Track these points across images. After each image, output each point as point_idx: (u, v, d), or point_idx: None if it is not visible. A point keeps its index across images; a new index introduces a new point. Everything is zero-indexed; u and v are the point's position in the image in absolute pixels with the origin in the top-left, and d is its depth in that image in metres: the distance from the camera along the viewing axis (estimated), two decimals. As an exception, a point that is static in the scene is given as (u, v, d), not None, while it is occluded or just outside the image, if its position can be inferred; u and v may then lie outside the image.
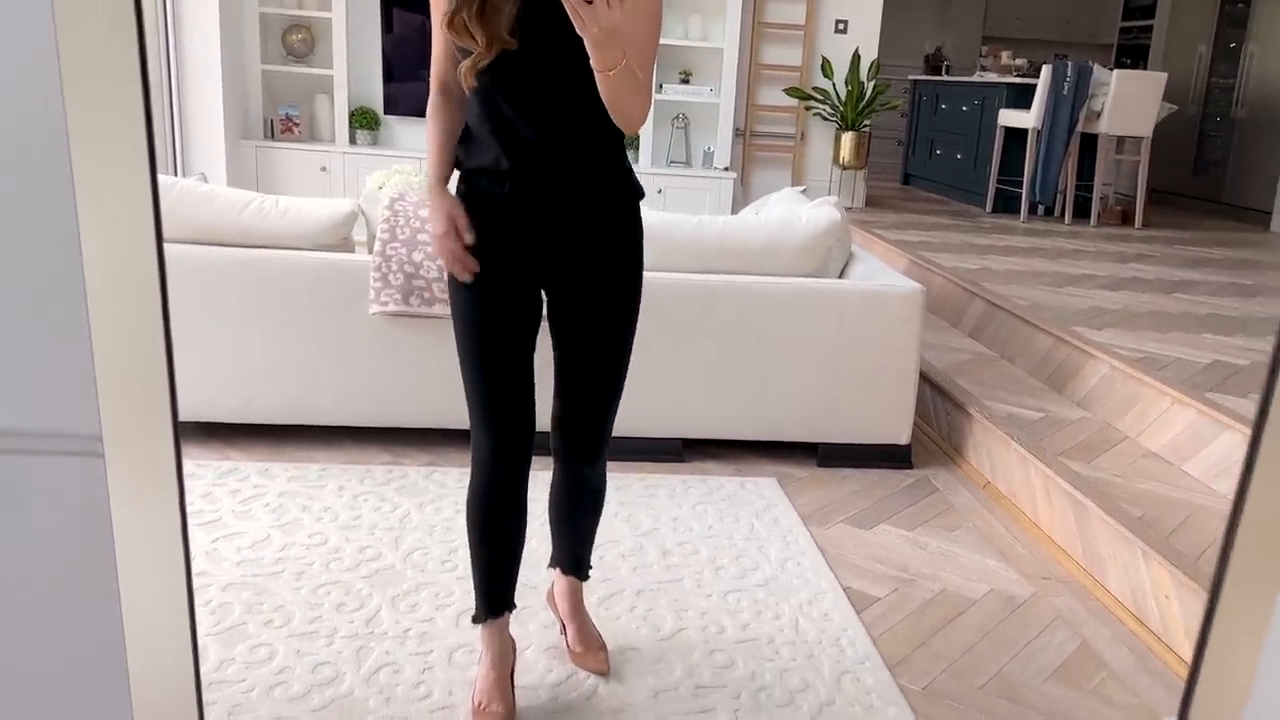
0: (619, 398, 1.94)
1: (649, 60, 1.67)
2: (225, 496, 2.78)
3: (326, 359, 3.06)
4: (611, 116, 1.65)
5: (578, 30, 1.46)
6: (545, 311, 1.88)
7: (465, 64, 1.65)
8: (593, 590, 2.37)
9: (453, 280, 1.80)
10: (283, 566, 2.44)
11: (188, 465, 2.94)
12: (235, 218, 3.00)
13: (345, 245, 3.09)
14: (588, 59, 1.54)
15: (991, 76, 7.94)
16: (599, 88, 1.59)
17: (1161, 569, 2.34)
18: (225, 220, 2.99)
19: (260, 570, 2.41)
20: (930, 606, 2.48)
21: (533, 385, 1.85)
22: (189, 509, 2.72)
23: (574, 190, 1.76)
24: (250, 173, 5.58)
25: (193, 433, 3.16)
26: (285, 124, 5.89)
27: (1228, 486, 2.76)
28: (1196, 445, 2.88)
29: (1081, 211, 6.86)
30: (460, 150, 1.78)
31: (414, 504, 2.79)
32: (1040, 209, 7.11)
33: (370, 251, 3.02)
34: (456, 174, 1.80)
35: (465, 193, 1.78)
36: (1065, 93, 6.43)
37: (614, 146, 1.77)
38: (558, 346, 1.89)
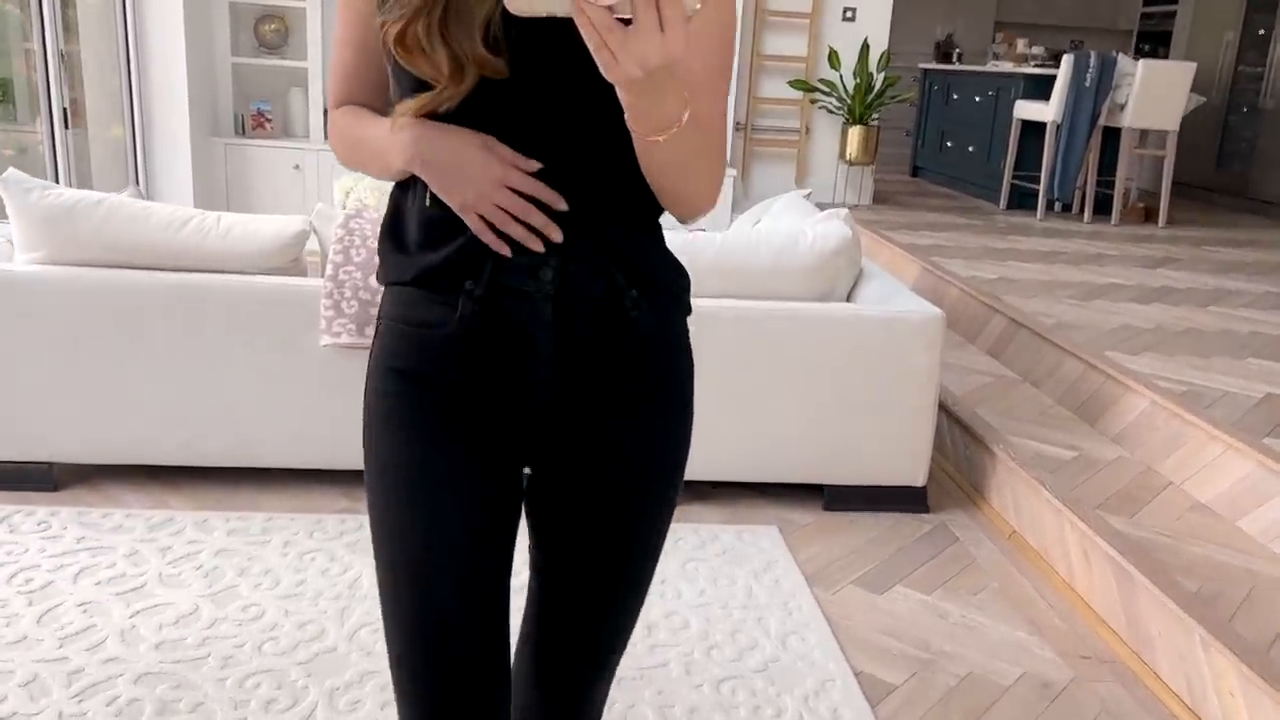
0: (625, 644, 1.23)
1: (722, 101, 1.04)
2: (154, 556, 2.45)
3: (275, 395, 2.73)
4: (661, 199, 1.04)
5: (604, 72, 0.83)
6: (529, 511, 1.18)
7: (410, 104, 1.00)
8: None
9: (378, 441, 1.10)
10: (208, 649, 2.11)
11: (117, 515, 2.62)
12: (171, 238, 2.66)
13: (295, 268, 2.76)
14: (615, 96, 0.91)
15: (1006, 65, 7.56)
16: (641, 157, 0.98)
17: (1224, 660, 2.02)
18: (160, 241, 2.66)
19: (182, 655, 2.09)
20: (955, 696, 2.16)
21: (506, 634, 1.14)
22: (110, 571, 2.42)
23: (588, 309, 1.05)
24: (219, 172, 5.24)
25: (129, 476, 2.84)
26: (257, 119, 5.54)
27: (1292, 550, 2.43)
28: (1254, 500, 2.55)
29: (1101, 208, 6.50)
30: (388, 250, 1.09)
31: (366, 564, 2.46)
32: (1057, 206, 6.75)
33: (323, 275, 2.69)
34: (380, 290, 1.14)
35: (395, 320, 1.08)
36: (1088, 84, 6.06)
37: (651, 235, 1.09)
38: (540, 553, 1.19)
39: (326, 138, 1.17)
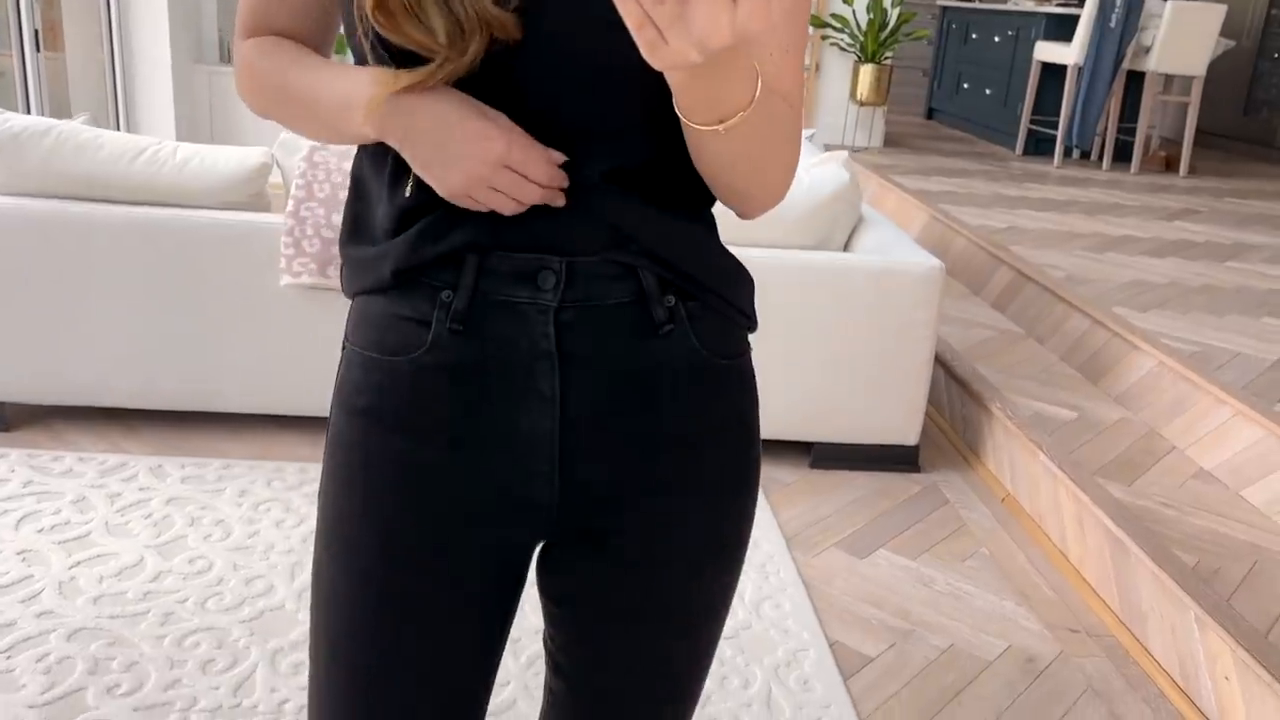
0: None
1: (800, 71, 0.78)
2: (102, 503, 2.35)
3: (234, 337, 2.60)
4: (718, 194, 0.79)
5: (647, 55, 0.58)
6: (545, 592, 0.90)
7: (402, 79, 0.73)
8: (522, 649, 1.95)
9: (329, 502, 0.85)
10: (149, 605, 2.01)
11: (69, 459, 2.52)
12: (125, 169, 2.52)
13: (257, 202, 2.61)
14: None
15: (1028, 4, 7.27)
16: (694, 149, 0.74)
17: (1220, 641, 1.89)
18: (113, 172, 2.51)
19: (120, 610, 1.99)
20: (934, 670, 2.04)
21: None
22: (54, 518, 2.31)
23: (605, 326, 0.79)
24: (202, 100, 5.06)
25: (84, 418, 2.73)
26: (244, 45, 5.33)
27: (1300, 524, 2.30)
28: (1261, 469, 2.41)
29: (1121, 156, 6.27)
30: (349, 248, 0.85)
31: (325, 518, 2.35)
32: (1075, 153, 6.52)
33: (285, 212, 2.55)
34: (348, 306, 0.88)
35: (358, 344, 0.83)
36: (1113, 25, 5.79)
37: (707, 234, 0.84)
38: (556, 668, 0.92)
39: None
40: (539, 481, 0.80)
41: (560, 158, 0.75)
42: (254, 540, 2.25)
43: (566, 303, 0.77)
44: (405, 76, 0.73)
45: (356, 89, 0.76)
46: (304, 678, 1.85)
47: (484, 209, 0.76)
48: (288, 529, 2.30)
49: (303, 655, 1.90)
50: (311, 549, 2.19)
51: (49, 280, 2.54)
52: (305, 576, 2.14)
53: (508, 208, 0.75)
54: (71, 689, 1.77)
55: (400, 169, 0.78)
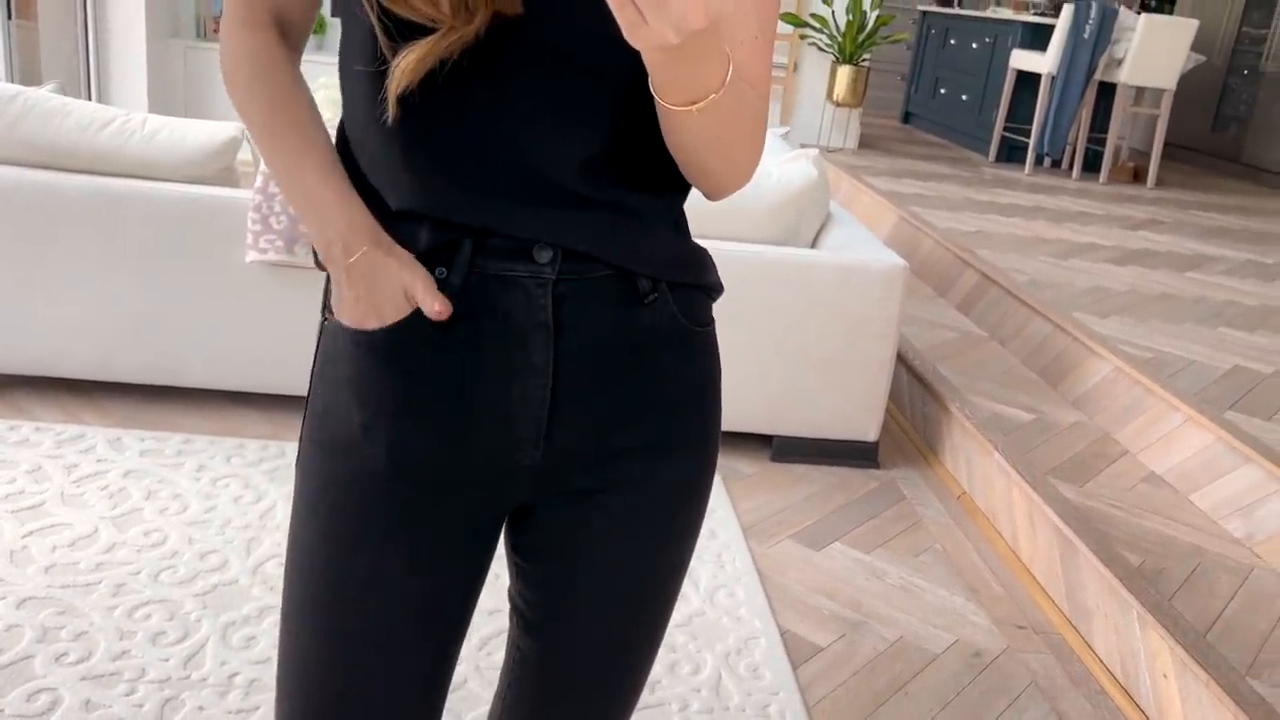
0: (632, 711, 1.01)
1: (769, 57, 0.80)
2: (58, 473, 2.33)
3: (198, 311, 2.59)
4: (686, 173, 0.82)
5: (627, 35, 0.62)
6: (517, 549, 0.93)
7: (411, 58, 0.74)
8: (474, 630, 1.96)
9: (308, 472, 0.87)
10: (101, 575, 2.01)
11: (26, 429, 2.50)
12: (91, 139, 2.50)
13: (226, 177, 2.60)
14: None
15: (1006, 12, 7.33)
16: (667, 129, 0.76)
17: (1160, 640, 1.94)
18: (79, 141, 2.50)
19: (72, 580, 1.98)
20: (882, 661, 2.07)
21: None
22: (9, 487, 2.30)
23: (595, 301, 0.82)
24: (177, 75, 5.01)
25: (44, 389, 2.71)
26: (219, 23, 5.30)
27: (1243, 529, 2.35)
28: (1209, 474, 2.46)
29: (1091, 166, 6.35)
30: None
31: (283, 494, 2.35)
32: (1046, 161, 6.59)
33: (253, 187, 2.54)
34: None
35: (336, 320, 0.85)
36: (1086, 36, 5.86)
37: (676, 215, 0.88)
38: (525, 626, 0.94)
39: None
40: (524, 447, 0.83)
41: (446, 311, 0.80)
42: (211, 515, 2.25)
43: (563, 276, 0.80)
44: (413, 56, 0.74)
45: (323, 211, 0.80)
46: (255, 651, 1.85)
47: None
48: (245, 505, 2.30)
49: (254, 630, 1.90)
50: (267, 526, 2.20)
51: (11, 248, 2.52)
52: (260, 552, 2.14)
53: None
54: (19, 657, 1.77)
55: (404, 189, 0.81)
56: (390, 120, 0.77)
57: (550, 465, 0.84)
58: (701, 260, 0.89)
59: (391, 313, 0.79)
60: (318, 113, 0.85)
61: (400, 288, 0.79)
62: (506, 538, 0.93)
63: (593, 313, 0.82)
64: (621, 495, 0.87)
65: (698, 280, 0.87)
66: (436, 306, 0.79)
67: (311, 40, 5.50)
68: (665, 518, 0.90)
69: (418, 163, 0.79)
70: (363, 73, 0.78)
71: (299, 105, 0.84)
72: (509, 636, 0.97)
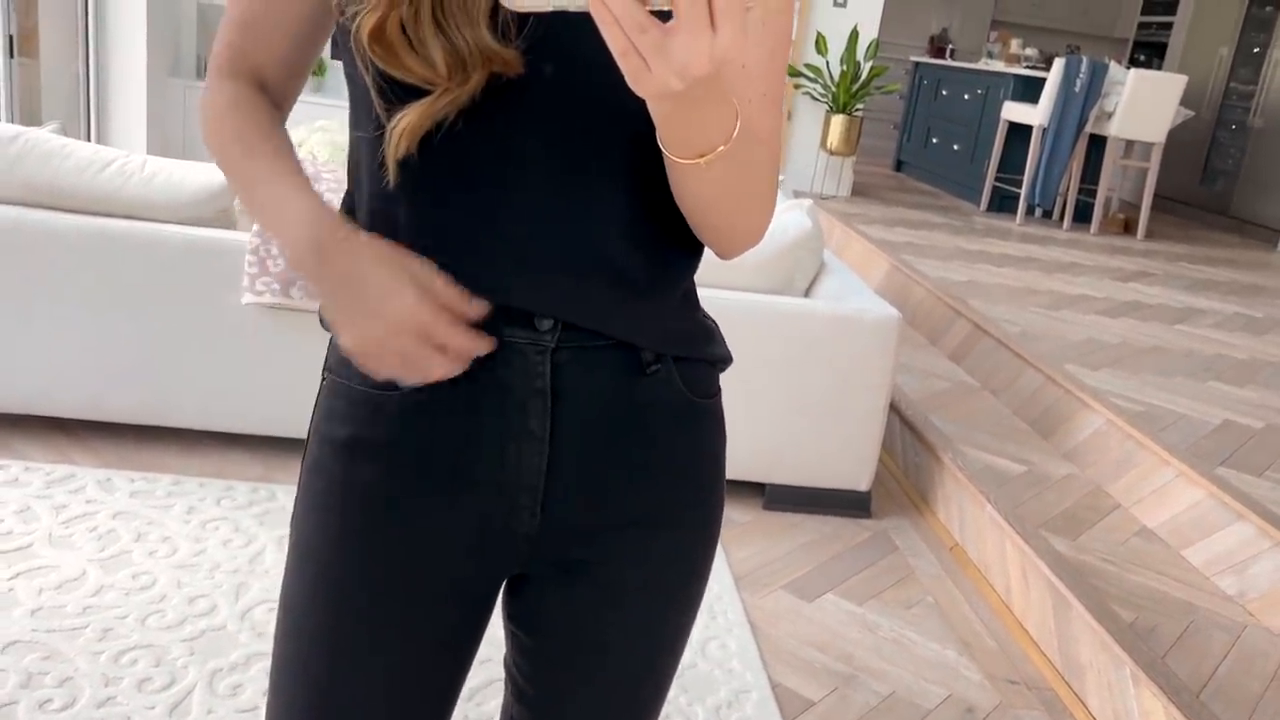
0: None
1: (780, 109, 0.80)
2: (47, 513, 2.32)
3: (193, 352, 2.59)
4: (699, 233, 0.80)
5: (631, 82, 0.61)
6: (514, 619, 0.91)
7: (409, 118, 0.72)
8: (471, 675, 1.94)
9: (302, 534, 0.85)
10: (88, 619, 1.99)
11: (15, 468, 2.48)
12: (90, 180, 2.51)
13: (223, 219, 2.61)
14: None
15: (998, 65, 7.44)
16: (675, 184, 0.74)
17: (1154, 699, 1.93)
18: (78, 183, 2.51)
19: (58, 624, 1.96)
20: (874, 716, 2.06)
21: None
22: (-3, 529, 2.28)
23: (596, 371, 0.81)
24: (177, 115, 5.05)
25: (33, 428, 2.69)
26: (221, 62, 5.33)
27: (1235, 586, 2.35)
28: (1201, 531, 2.46)
29: (1081, 217, 6.42)
30: None
31: (273, 538, 2.34)
32: (1038, 211, 6.66)
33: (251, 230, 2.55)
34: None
35: (341, 374, 0.83)
36: (1077, 89, 5.95)
37: (684, 287, 0.86)
38: (519, 695, 0.93)
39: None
40: (521, 515, 0.82)
41: (482, 311, 0.73)
42: (200, 559, 2.23)
43: (563, 344, 0.78)
44: (412, 116, 0.72)
45: (289, 220, 0.75)
46: (241, 699, 1.83)
47: (382, 378, 0.73)
48: (235, 549, 2.28)
49: (241, 677, 1.88)
50: (256, 570, 2.18)
51: (6, 287, 2.52)
52: (249, 597, 2.12)
53: (409, 378, 0.72)
54: (2, 703, 1.74)
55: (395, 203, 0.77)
56: (391, 185, 0.76)
57: (547, 534, 0.83)
58: (709, 334, 0.87)
59: (391, 312, 0.70)
60: (289, 140, 0.83)
61: (390, 277, 0.70)
62: (503, 605, 0.92)
63: (592, 382, 0.80)
64: (619, 568, 0.85)
65: (703, 354, 0.86)
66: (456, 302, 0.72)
67: (311, 81, 5.55)
68: (664, 592, 0.87)
69: (416, 227, 0.77)
70: (363, 138, 0.78)
71: (269, 126, 0.81)
72: (504, 702, 0.96)
